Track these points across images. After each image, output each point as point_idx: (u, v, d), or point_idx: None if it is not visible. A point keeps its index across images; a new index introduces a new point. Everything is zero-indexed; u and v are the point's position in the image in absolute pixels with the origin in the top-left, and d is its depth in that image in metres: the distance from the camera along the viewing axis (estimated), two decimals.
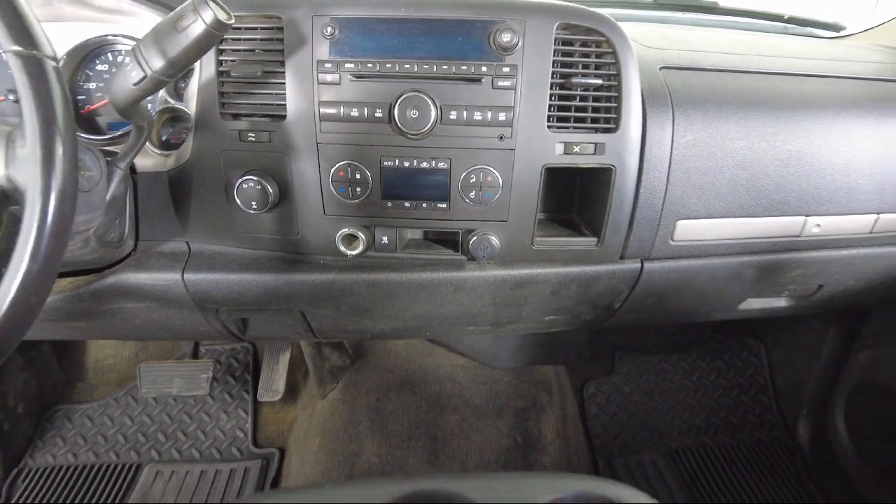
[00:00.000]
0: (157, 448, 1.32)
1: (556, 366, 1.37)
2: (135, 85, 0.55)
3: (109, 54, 0.76)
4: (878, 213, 0.78)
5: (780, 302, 0.94)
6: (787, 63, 0.82)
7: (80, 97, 0.77)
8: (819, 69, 0.81)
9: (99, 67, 0.76)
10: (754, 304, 0.93)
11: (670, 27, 1.05)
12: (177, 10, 0.53)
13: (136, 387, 1.41)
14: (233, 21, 0.55)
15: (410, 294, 0.77)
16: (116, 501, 1.21)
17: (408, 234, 0.76)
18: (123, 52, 0.75)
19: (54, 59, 0.45)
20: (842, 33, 1.16)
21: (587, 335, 1.34)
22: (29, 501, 1.21)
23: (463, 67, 0.64)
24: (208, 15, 0.52)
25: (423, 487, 0.45)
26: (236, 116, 0.67)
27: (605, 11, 0.67)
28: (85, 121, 0.77)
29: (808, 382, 1.34)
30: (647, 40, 0.81)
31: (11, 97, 0.77)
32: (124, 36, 0.74)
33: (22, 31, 0.44)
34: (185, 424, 1.35)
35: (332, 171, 0.68)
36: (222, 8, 0.54)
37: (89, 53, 0.75)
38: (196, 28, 0.53)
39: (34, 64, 0.44)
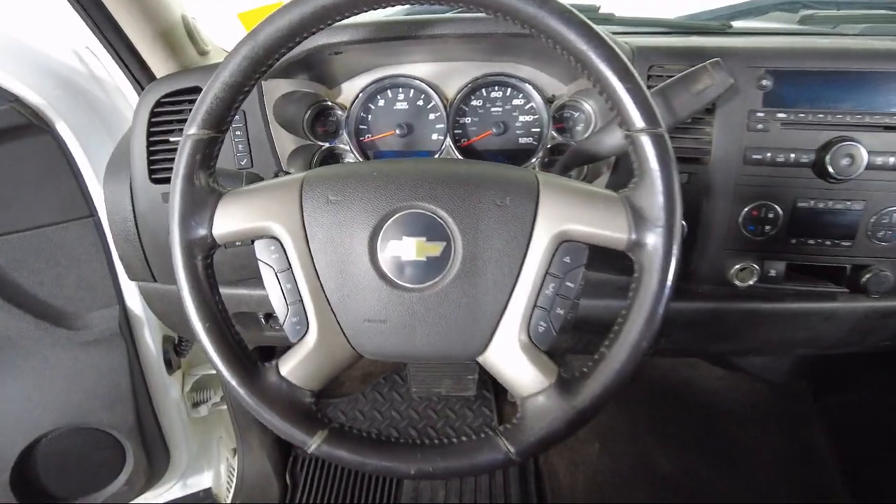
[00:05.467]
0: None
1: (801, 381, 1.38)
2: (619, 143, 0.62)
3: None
4: None
5: None
6: None
7: (456, 131, 0.87)
8: None
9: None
10: None
11: None
12: (687, 72, 0.60)
13: (379, 382, 1.54)
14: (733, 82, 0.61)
15: (779, 321, 0.82)
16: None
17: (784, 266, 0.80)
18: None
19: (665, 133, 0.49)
20: None
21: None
22: (310, 484, 1.36)
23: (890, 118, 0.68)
24: (726, 80, 0.58)
25: None
26: None
27: None
28: (464, 150, 0.86)
29: None
30: None
31: (399, 132, 0.87)
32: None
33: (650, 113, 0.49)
34: (433, 420, 1.47)
35: (744, 211, 0.73)
36: (727, 71, 0.59)
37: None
38: (711, 92, 0.59)
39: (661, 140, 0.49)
